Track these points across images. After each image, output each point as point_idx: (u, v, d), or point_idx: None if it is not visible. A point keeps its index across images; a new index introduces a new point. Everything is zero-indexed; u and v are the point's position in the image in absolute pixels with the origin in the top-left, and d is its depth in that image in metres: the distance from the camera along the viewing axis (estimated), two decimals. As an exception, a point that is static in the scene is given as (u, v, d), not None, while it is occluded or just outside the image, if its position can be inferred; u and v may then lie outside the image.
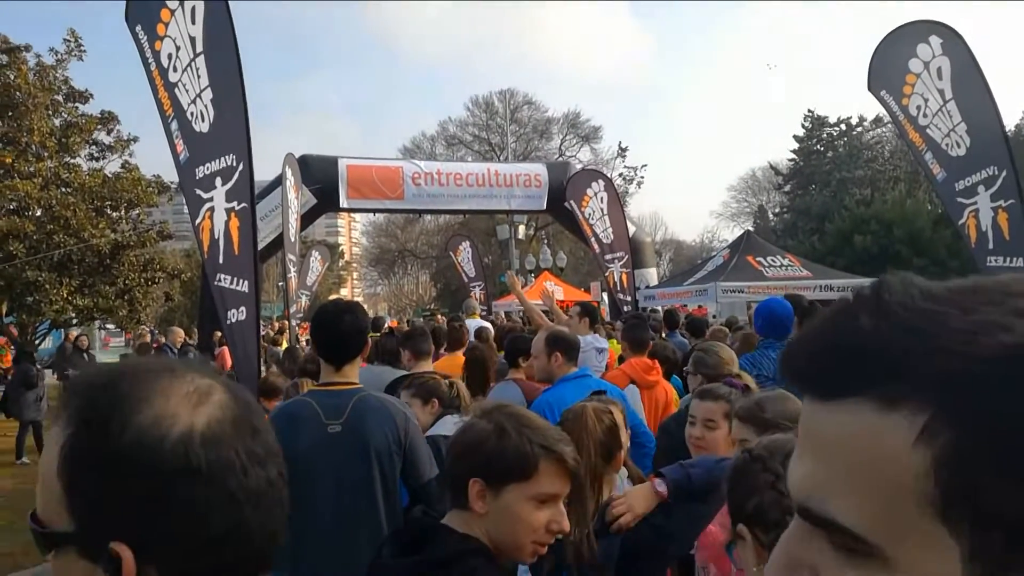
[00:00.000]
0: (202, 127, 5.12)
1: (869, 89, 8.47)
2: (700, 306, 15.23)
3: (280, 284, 29.66)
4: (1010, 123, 32.94)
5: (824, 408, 0.52)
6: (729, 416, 2.80)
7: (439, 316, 13.98)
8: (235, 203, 5.01)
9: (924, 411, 0.47)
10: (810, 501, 0.52)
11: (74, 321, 20.74)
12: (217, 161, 5.06)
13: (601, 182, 15.65)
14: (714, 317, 14.27)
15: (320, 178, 17.31)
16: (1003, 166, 7.34)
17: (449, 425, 3.54)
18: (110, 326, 27.44)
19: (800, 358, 0.54)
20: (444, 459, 1.93)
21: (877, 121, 43.14)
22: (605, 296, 21.36)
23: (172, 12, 5.26)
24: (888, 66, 8.28)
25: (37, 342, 21.15)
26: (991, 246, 7.40)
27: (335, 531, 2.89)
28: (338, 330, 3.12)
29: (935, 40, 7.93)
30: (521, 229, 30.62)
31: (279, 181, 13.21)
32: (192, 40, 5.13)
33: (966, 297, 0.50)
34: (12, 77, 19.69)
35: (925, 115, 8.10)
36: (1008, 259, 7.25)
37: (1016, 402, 0.45)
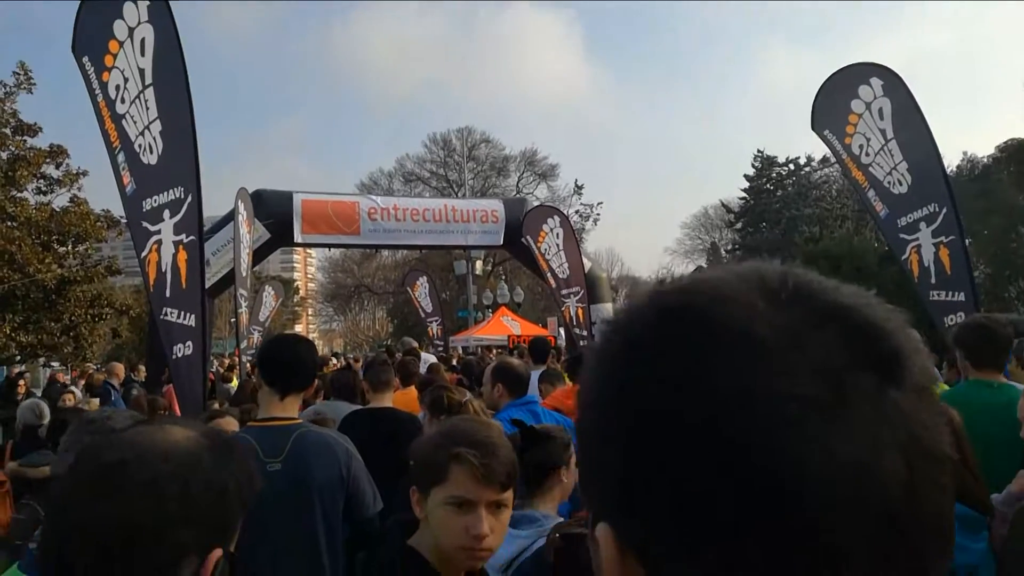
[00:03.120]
0: (150, 159, 5.04)
1: (813, 128, 8.71)
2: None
3: (232, 320, 29.16)
4: (950, 162, 34.15)
5: None
6: None
7: (392, 352, 13.86)
8: (183, 236, 4.93)
9: None
10: None
11: (17, 358, 20.09)
12: (165, 193, 4.99)
13: (557, 218, 15.79)
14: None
15: (274, 213, 17.14)
16: (943, 203, 7.58)
17: None
18: (55, 364, 26.60)
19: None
20: None
21: (824, 161, 44.40)
22: (562, 331, 21.42)
23: (121, 44, 5.21)
24: (831, 107, 8.54)
25: (-24, 380, 20.40)
26: (933, 280, 7.61)
27: (274, 573, 2.80)
28: (291, 355, 3.03)
29: (876, 82, 8.21)
30: (479, 264, 30.64)
31: (229, 216, 13.05)
32: (141, 72, 5.07)
33: None
34: (-43, 109, 19.31)
35: (867, 154, 8.35)
36: (950, 293, 7.46)
37: None
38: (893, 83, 8.03)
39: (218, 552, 0.92)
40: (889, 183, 8.22)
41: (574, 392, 5.15)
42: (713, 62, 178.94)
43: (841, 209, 41.47)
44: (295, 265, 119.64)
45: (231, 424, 3.85)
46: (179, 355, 4.97)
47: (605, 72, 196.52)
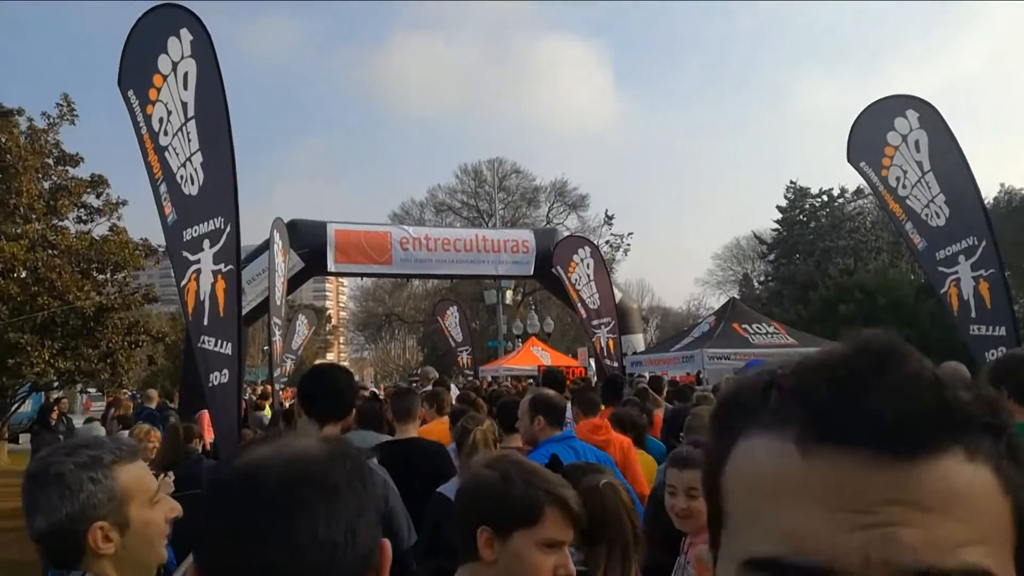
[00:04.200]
0: (191, 190, 5.15)
1: (849, 161, 8.65)
2: (688, 373, 15.21)
3: (265, 348, 29.42)
4: (987, 193, 33.60)
5: (915, 466, 0.51)
6: None
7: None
8: (222, 265, 5.00)
9: (992, 459, 0.53)
10: (946, 557, 0.50)
11: (55, 384, 20.41)
12: (205, 224, 5.08)
13: (587, 248, 15.80)
14: (699, 384, 14.22)
15: (308, 242, 17.38)
16: (982, 236, 7.46)
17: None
18: (91, 389, 26.99)
19: (881, 417, 0.52)
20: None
21: (858, 192, 43.98)
22: (592, 362, 21.32)
23: (164, 77, 5.35)
24: (867, 139, 8.48)
25: (16, 405, 20.73)
26: (974, 315, 7.47)
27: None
28: (331, 385, 3.06)
29: (912, 114, 8.14)
30: (508, 294, 30.71)
31: (267, 245, 13.24)
32: (184, 105, 5.20)
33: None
34: (3, 140, 19.84)
35: (904, 186, 8.26)
36: (990, 328, 7.31)
37: None
38: (929, 115, 7.96)
39: None
40: (927, 215, 8.12)
41: (603, 424, 5.10)
42: (745, 92, 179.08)
43: (876, 241, 40.97)
44: (327, 293, 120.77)
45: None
46: (215, 383, 5.02)
47: (636, 103, 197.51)
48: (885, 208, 8.75)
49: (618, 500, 2.40)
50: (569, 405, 5.66)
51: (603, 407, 5.52)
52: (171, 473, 4.52)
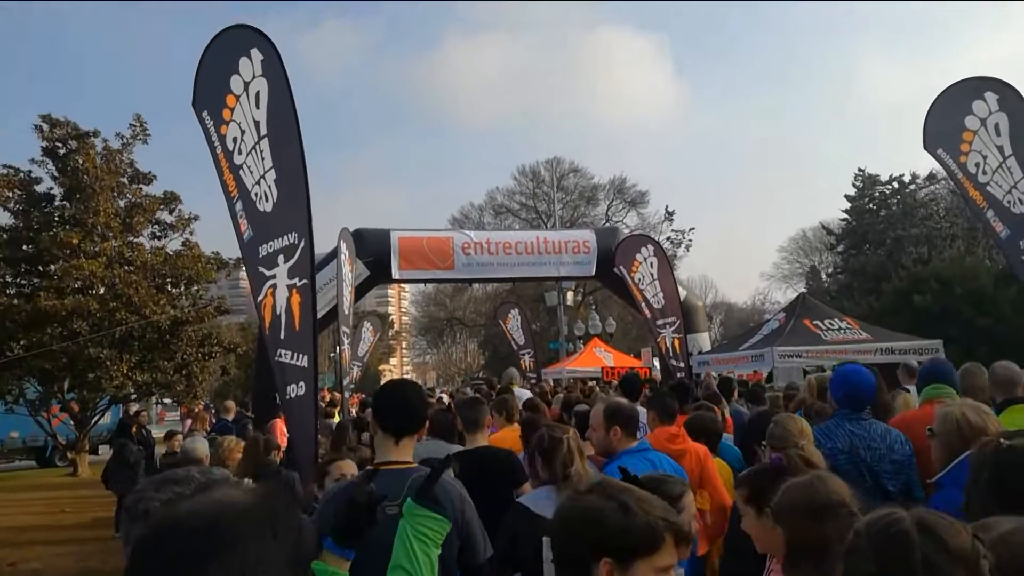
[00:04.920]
0: (266, 207, 5.25)
1: (925, 148, 8.36)
2: (755, 371, 14.87)
3: (331, 355, 29.93)
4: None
5: None
6: (750, 502, 2.66)
7: (491, 385, 13.89)
8: (296, 279, 5.09)
9: None
10: None
11: (133, 396, 21.15)
12: (280, 239, 5.18)
13: (651, 247, 15.60)
14: (767, 383, 13.89)
15: (373, 250, 17.60)
16: (1071, 222, 7.13)
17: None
18: (167, 400, 27.89)
19: None
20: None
21: (931, 178, 42.50)
22: (657, 362, 21.05)
23: (237, 98, 5.47)
24: (944, 124, 8.18)
25: (96, 418, 21.55)
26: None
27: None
28: (403, 400, 3.12)
29: (991, 96, 7.83)
30: (569, 295, 30.56)
31: (331, 255, 13.46)
32: (256, 124, 5.31)
33: None
34: (80, 162, 20.66)
35: (985, 172, 7.94)
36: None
37: None
38: (1010, 97, 7.64)
39: None
40: (1009, 202, 7.79)
41: (680, 432, 4.98)
42: (806, 80, 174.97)
43: (950, 228, 39.50)
44: (389, 300, 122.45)
45: (350, 467, 3.93)
46: (292, 395, 5.11)
47: (695, 94, 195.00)
48: (965, 196, 8.43)
49: None
50: (643, 411, 5.59)
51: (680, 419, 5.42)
52: (252, 481, 4.63)
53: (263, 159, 5.23)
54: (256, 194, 5.28)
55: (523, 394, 10.05)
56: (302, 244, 5.05)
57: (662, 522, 1.64)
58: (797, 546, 2.12)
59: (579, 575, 1.59)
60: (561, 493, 3.11)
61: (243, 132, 5.37)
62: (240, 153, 5.41)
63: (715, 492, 4.39)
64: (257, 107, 5.28)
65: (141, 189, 22.42)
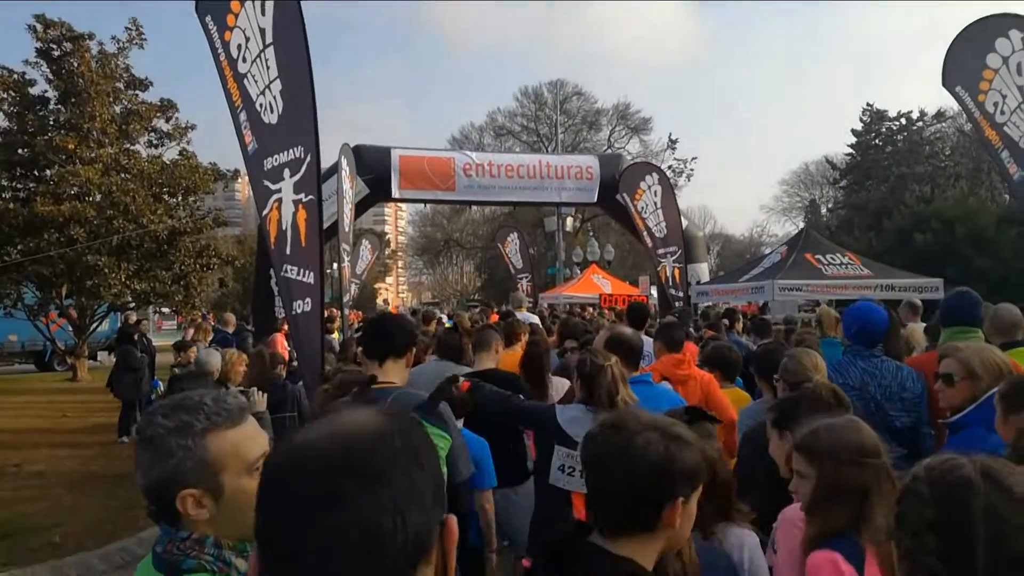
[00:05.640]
0: (271, 118, 5.12)
1: (944, 85, 8.16)
2: (750, 303, 14.88)
3: (329, 272, 29.95)
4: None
5: None
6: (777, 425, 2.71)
7: (492, 311, 13.90)
8: (302, 195, 5.01)
9: None
10: None
11: (131, 305, 21.17)
12: (285, 153, 5.06)
13: (655, 175, 15.45)
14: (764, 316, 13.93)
15: (373, 168, 17.40)
16: (1087, 167, 7.02)
17: None
18: (165, 310, 27.96)
19: None
20: None
21: (939, 116, 41.89)
22: (654, 290, 21.12)
23: (242, 3, 5.27)
24: (964, 61, 7.97)
25: (95, 325, 21.64)
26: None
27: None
28: (380, 328, 3.43)
29: (1016, 34, 7.60)
30: (568, 221, 30.41)
31: (333, 169, 13.29)
32: (262, 31, 5.13)
33: None
34: (76, 65, 20.14)
35: (1003, 112, 7.78)
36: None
37: None
38: (1036, 34, 7.42)
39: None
40: (1026, 143, 7.65)
41: (685, 359, 5.02)
42: (819, 11, 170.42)
43: (955, 167, 39.15)
44: (386, 218, 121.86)
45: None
46: (298, 311, 5.09)
47: (701, 23, 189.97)
48: (980, 135, 8.28)
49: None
50: (650, 340, 5.61)
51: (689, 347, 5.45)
52: (261, 392, 4.65)
53: (268, 68, 5.06)
54: (261, 104, 5.14)
55: (528, 317, 10.08)
56: (308, 159, 4.94)
57: (706, 456, 1.71)
58: (832, 488, 2.09)
59: (650, 514, 1.59)
60: (599, 415, 3.11)
61: (247, 39, 5.19)
62: (244, 61, 5.24)
63: (723, 411, 4.39)
64: (263, 14, 5.09)
65: (137, 95, 21.93)
